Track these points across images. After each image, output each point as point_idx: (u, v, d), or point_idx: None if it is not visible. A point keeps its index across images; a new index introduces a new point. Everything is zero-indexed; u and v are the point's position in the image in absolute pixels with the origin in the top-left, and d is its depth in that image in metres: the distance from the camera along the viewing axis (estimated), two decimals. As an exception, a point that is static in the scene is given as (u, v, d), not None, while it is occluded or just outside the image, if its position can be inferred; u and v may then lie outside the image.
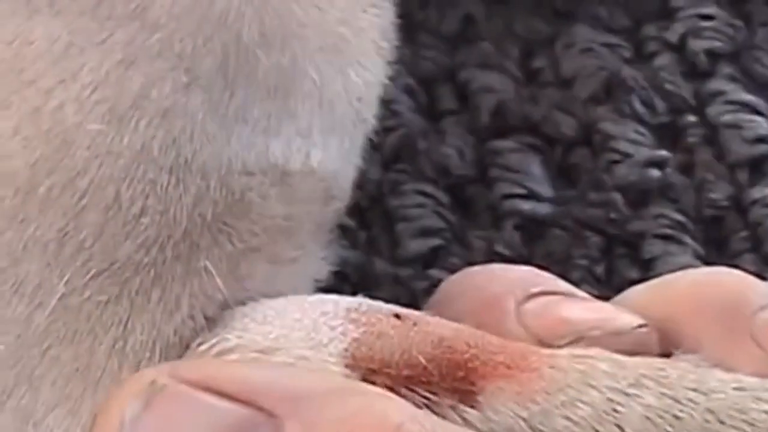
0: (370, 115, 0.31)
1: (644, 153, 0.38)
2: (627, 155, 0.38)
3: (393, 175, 0.38)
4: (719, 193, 0.38)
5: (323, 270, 0.31)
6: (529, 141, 0.39)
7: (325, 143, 0.29)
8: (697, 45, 0.40)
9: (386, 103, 0.33)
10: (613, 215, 0.37)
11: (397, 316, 0.28)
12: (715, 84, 0.39)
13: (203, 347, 0.27)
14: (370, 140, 0.32)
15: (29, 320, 0.26)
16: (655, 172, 0.38)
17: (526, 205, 0.38)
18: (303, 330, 0.28)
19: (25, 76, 0.26)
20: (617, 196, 0.38)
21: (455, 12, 0.41)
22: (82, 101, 0.26)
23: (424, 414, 0.26)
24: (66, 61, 0.26)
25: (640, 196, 0.38)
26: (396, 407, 0.25)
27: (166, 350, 0.27)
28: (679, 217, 0.37)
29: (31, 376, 0.26)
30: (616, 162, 0.38)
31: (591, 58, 0.40)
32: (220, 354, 0.27)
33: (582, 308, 0.30)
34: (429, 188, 0.38)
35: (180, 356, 0.27)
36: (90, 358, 0.26)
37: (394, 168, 0.38)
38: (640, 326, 0.29)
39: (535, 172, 0.38)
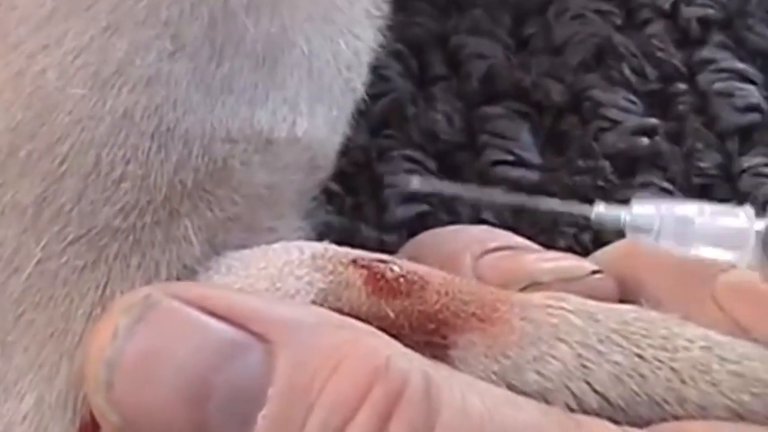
0: (359, 83, 0.31)
1: (634, 120, 0.38)
2: (616, 123, 0.38)
3: (381, 141, 0.38)
4: (708, 161, 0.37)
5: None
6: (519, 107, 0.38)
7: (312, 112, 0.29)
8: (689, 12, 0.39)
9: (375, 69, 0.32)
10: (601, 183, 0.37)
11: (365, 267, 0.27)
12: (707, 52, 0.39)
13: None
14: (358, 106, 0.31)
15: (4, 286, 0.26)
16: (644, 140, 0.37)
17: (515, 172, 0.37)
18: (268, 279, 0.27)
19: (8, 40, 0.26)
20: (606, 164, 0.37)
21: (446, -22, 0.40)
22: (65, 66, 0.26)
23: (410, 351, 0.26)
24: (50, 27, 0.26)
25: (628, 164, 0.37)
26: (384, 342, 0.25)
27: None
28: (667, 185, 0.37)
29: (4, 342, 0.26)
30: (605, 129, 0.38)
31: (582, 25, 0.39)
32: None
33: (536, 257, 0.30)
34: (417, 154, 0.38)
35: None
36: (66, 324, 0.26)
37: (382, 134, 0.38)
38: (594, 272, 0.29)
39: (524, 139, 0.38)
